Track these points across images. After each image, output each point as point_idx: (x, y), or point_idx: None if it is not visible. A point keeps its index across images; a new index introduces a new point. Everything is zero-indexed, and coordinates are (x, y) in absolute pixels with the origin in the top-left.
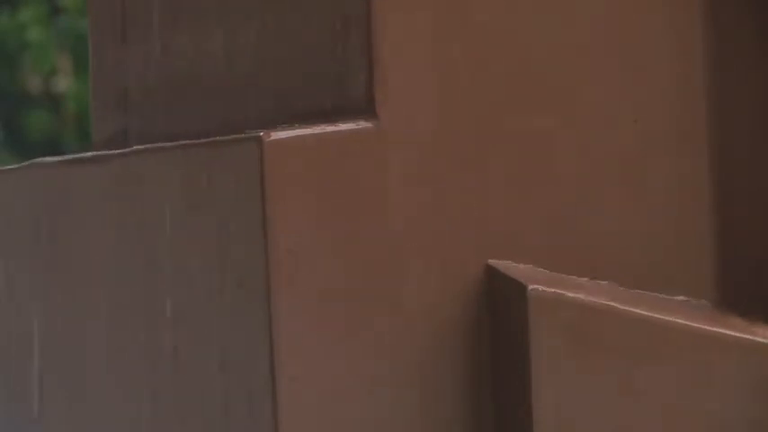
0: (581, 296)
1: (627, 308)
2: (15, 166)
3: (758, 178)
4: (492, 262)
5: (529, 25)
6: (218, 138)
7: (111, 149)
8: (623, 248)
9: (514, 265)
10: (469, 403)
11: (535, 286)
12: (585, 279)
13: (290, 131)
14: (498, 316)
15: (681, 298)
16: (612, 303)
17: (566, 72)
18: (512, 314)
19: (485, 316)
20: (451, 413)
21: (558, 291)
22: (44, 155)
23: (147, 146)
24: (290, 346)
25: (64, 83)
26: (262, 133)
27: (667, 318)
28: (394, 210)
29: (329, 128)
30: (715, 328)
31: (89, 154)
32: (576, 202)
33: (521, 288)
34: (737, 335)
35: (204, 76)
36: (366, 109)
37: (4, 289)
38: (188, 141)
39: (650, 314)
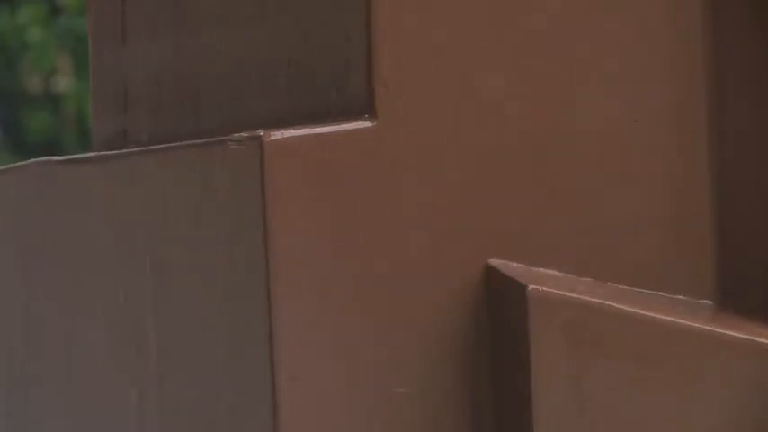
0: (581, 296)
1: (627, 308)
2: (15, 165)
3: (758, 178)
4: (492, 262)
5: (530, 26)
6: (218, 138)
7: (111, 150)
8: (623, 248)
9: (514, 265)
10: (469, 403)
11: (535, 286)
12: (585, 279)
13: (290, 131)
14: (498, 316)
15: (681, 298)
16: (612, 303)
17: (566, 72)
18: (512, 314)
19: (485, 316)
20: (451, 413)
21: (558, 291)
22: (44, 155)
23: (147, 146)
24: (290, 346)
25: (64, 83)
26: (262, 133)
27: (667, 318)
28: (394, 209)
29: (329, 128)
30: (715, 328)
31: (89, 154)
32: (576, 203)
33: (521, 288)
34: (737, 335)
35: (204, 77)
36: (366, 109)
37: (2, 288)
38: (188, 141)
39: (650, 314)
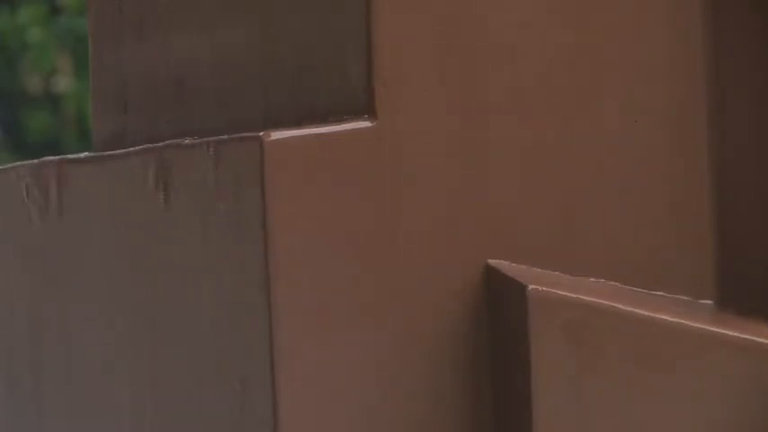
0: (581, 296)
1: (627, 308)
2: (15, 164)
3: (759, 178)
4: (492, 262)
5: (530, 27)
6: (217, 138)
7: (111, 149)
8: (623, 248)
9: (514, 265)
10: (469, 403)
11: (535, 286)
12: (585, 279)
13: (290, 131)
14: (498, 316)
15: (682, 298)
16: (613, 303)
17: (566, 73)
18: (512, 314)
19: (485, 316)
20: (452, 413)
21: (558, 291)
22: (44, 155)
23: (146, 146)
24: (290, 346)
25: (64, 83)
26: (262, 133)
27: (668, 318)
28: (393, 210)
29: (329, 128)
30: (716, 328)
31: (89, 154)
32: (576, 202)
33: (521, 288)
34: (738, 335)
35: (204, 76)
36: (366, 109)
37: (2, 288)
38: (188, 141)
39: (651, 314)
